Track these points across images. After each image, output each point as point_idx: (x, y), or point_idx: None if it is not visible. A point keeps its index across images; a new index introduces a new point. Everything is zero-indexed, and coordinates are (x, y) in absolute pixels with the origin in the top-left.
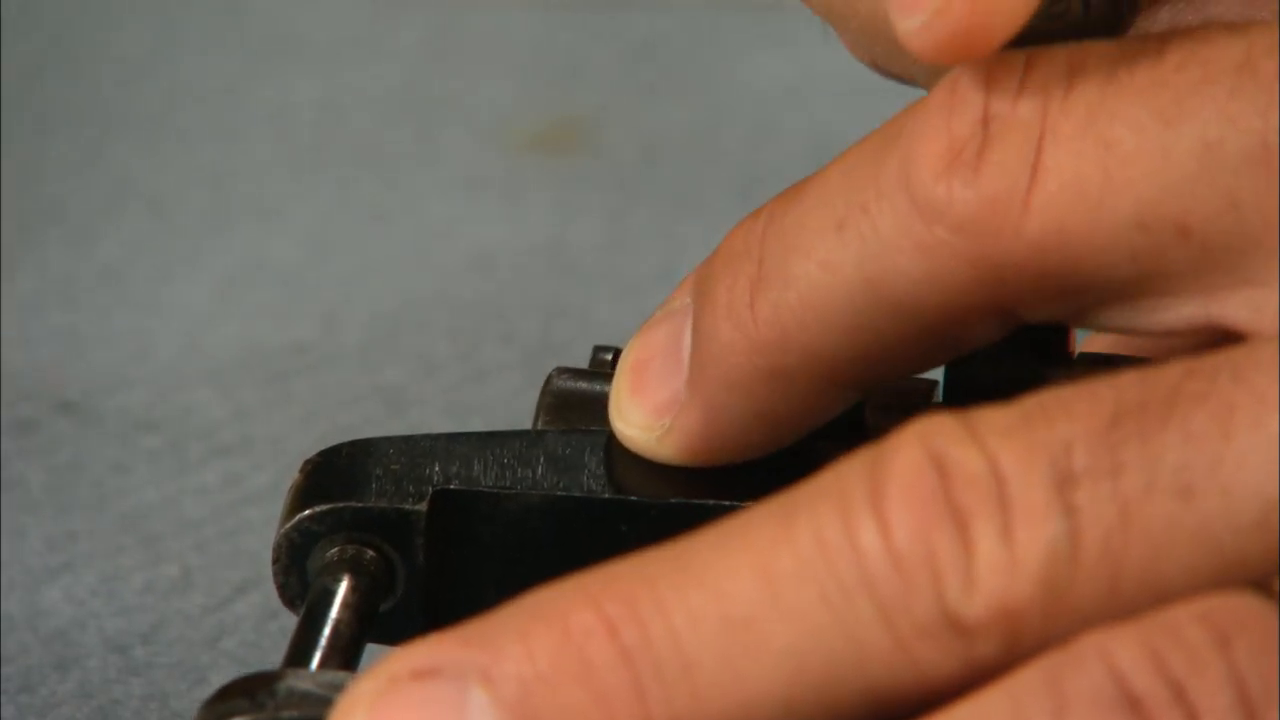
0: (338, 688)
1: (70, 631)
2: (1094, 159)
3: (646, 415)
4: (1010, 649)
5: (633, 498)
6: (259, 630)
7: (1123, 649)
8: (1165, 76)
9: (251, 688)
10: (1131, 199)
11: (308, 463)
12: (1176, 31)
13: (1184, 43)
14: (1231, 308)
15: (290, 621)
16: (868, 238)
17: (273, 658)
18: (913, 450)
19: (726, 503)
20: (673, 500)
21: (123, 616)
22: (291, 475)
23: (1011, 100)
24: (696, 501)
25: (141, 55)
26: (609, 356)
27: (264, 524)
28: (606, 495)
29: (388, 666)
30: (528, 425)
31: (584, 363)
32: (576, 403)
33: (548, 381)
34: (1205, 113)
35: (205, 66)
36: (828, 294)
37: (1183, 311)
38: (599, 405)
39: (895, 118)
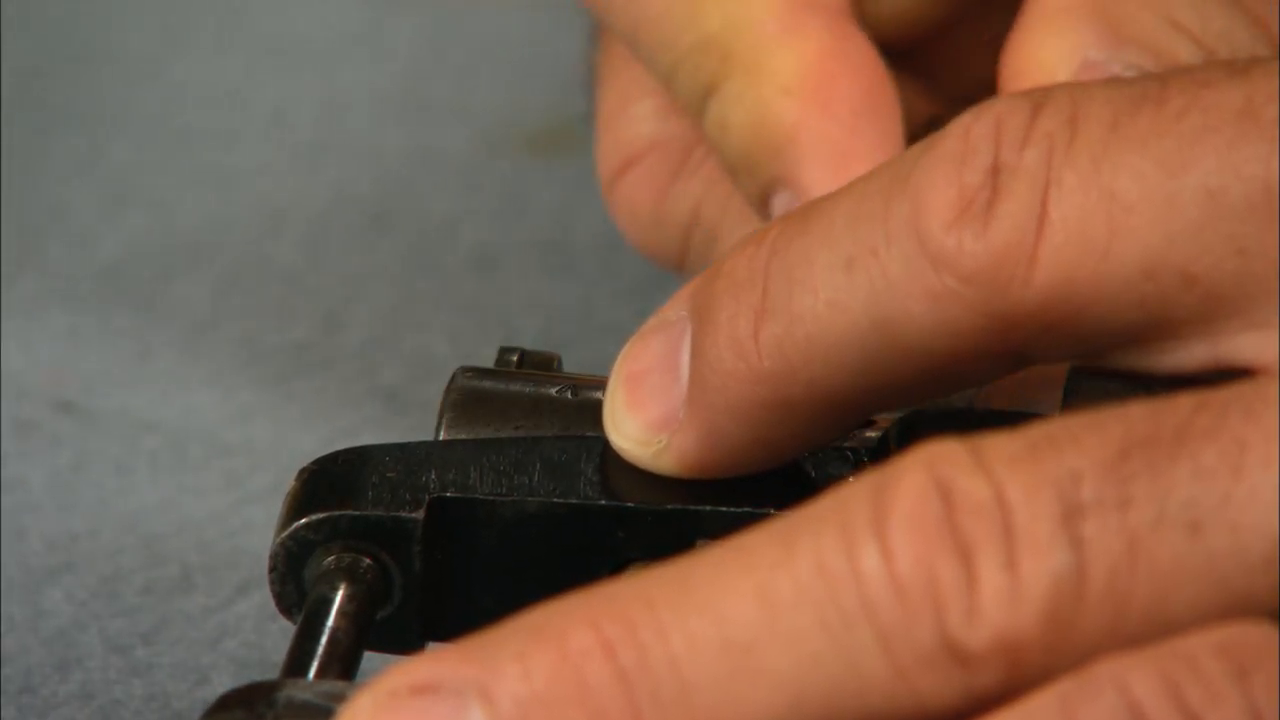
0: (337, 698)
1: (71, 632)
2: (1099, 209)
3: (643, 429)
4: (1012, 680)
5: (629, 504)
6: (260, 631)
7: (1139, 678)
8: (1167, 125)
9: (250, 698)
10: (1137, 248)
11: (304, 471)
12: (1177, 73)
13: (1185, 87)
14: (1239, 349)
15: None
16: (877, 281)
17: (274, 658)
18: (918, 476)
19: (724, 509)
20: (669, 507)
21: (124, 617)
22: (292, 475)
23: (1018, 150)
24: (693, 508)
25: (142, 55)
26: (514, 357)
27: (265, 524)
28: (603, 502)
29: (388, 681)
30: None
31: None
32: (482, 402)
33: (452, 380)
34: (1208, 161)
35: (206, 66)
36: (834, 332)
37: (1191, 353)
38: (504, 404)
39: (904, 156)
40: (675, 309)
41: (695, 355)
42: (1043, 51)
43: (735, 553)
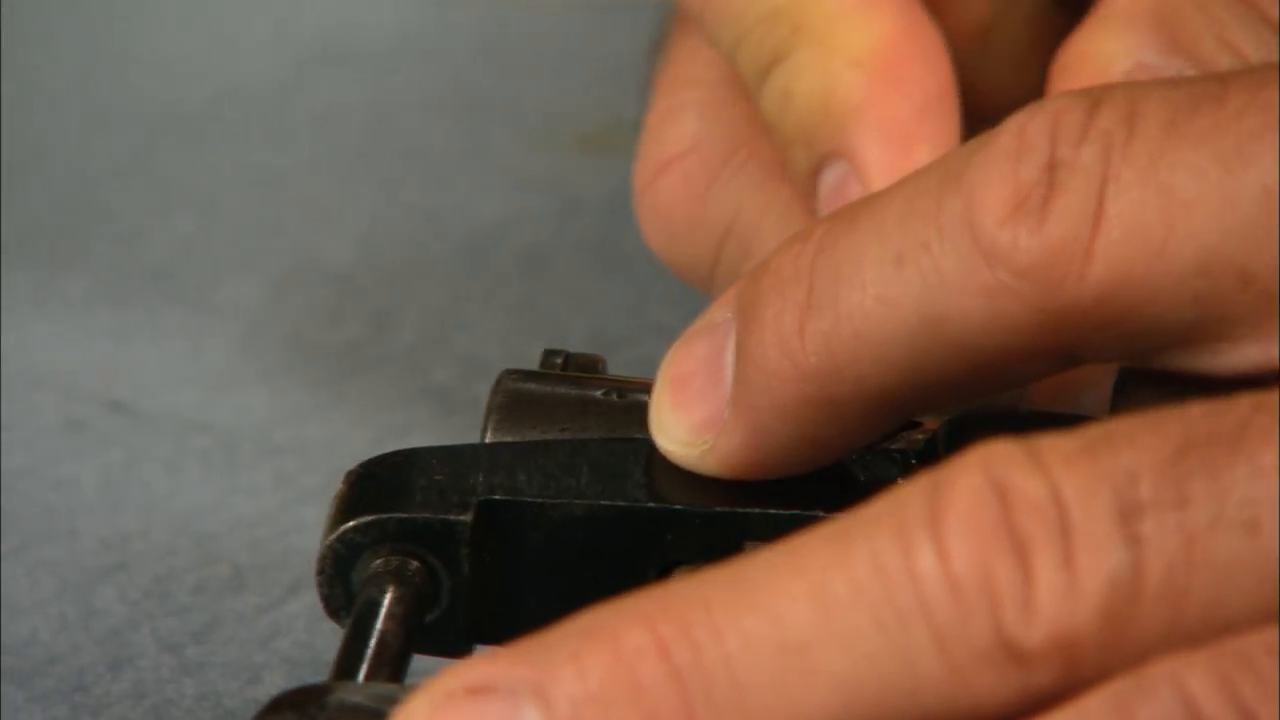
0: (388, 700)
1: (124, 631)
2: (1156, 206)
3: (688, 431)
4: (1067, 678)
5: (677, 506)
6: (312, 630)
7: (1195, 676)
8: (1226, 123)
9: (301, 701)
10: (1193, 245)
11: (351, 473)
12: (1236, 73)
13: (1244, 86)
14: None
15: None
16: (928, 276)
17: (326, 658)
18: (974, 476)
19: (772, 511)
20: (717, 509)
21: (175, 616)
22: (343, 475)
23: (1075, 146)
24: (741, 510)
25: (191, 56)
26: (559, 360)
27: (316, 524)
28: (650, 504)
29: (443, 683)
30: None
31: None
32: (528, 405)
33: (497, 383)
34: (1266, 159)
35: (256, 66)
36: (883, 328)
37: (1245, 354)
38: (550, 407)
39: (956, 153)
40: (720, 311)
41: (740, 354)
42: (1100, 49)
43: (790, 554)
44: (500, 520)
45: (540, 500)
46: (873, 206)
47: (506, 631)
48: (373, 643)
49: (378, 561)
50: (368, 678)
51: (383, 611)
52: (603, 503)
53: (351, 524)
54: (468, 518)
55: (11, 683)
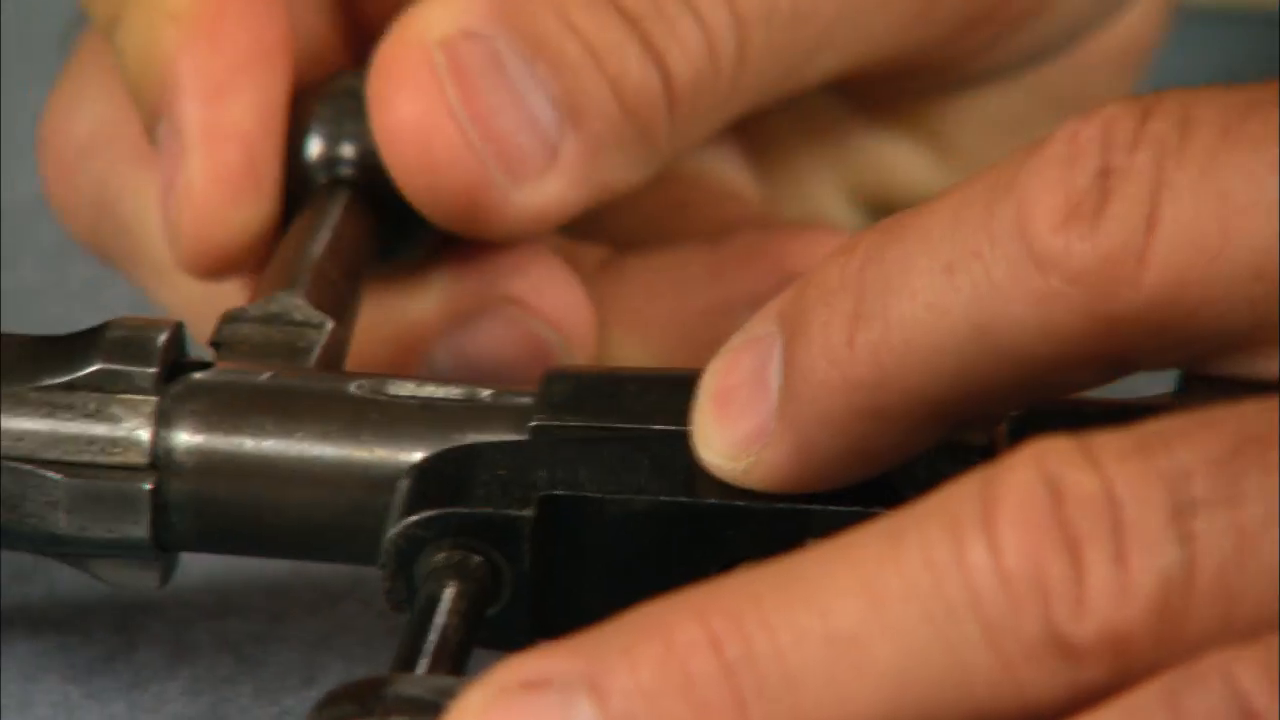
0: (446, 693)
1: (181, 629)
2: (1211, 211)
3: (733, 445)
4: (1118, 674)
5: (738, 503)
6: (370, 629)
7: (1245, 669)
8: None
9: (360, 693)
10: (1248, 250)
11: (415, 468)
12: None
13: None
14: None
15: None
16: (979, 283)
17: (384, 656)
18: (1027, 471)
19: (833, 508)
20: (778, 506)
21: (234, 614)
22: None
23: (1128, 152)
24: (802, 507)
25: None
26: None
27: None
28: (712, 500)
29: (498, 677)
30: None
31: None
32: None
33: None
34: None
35: None
36: (933, 337)
37: None
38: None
39: (1005, 163)
40: (762, 323)
41: (788, 366)
42: (426, 15)
43: (842, 549)
44: (561, 515)
45: (601, 496)
46: (922, 217)
47: (567, 626)
48: (433, 636)
49: (440, 555)
50: (428, 671)
51: (444, 605)
52: (664, 499)
53: (415, 518)
54: (529, 513)
55: (69, 680)
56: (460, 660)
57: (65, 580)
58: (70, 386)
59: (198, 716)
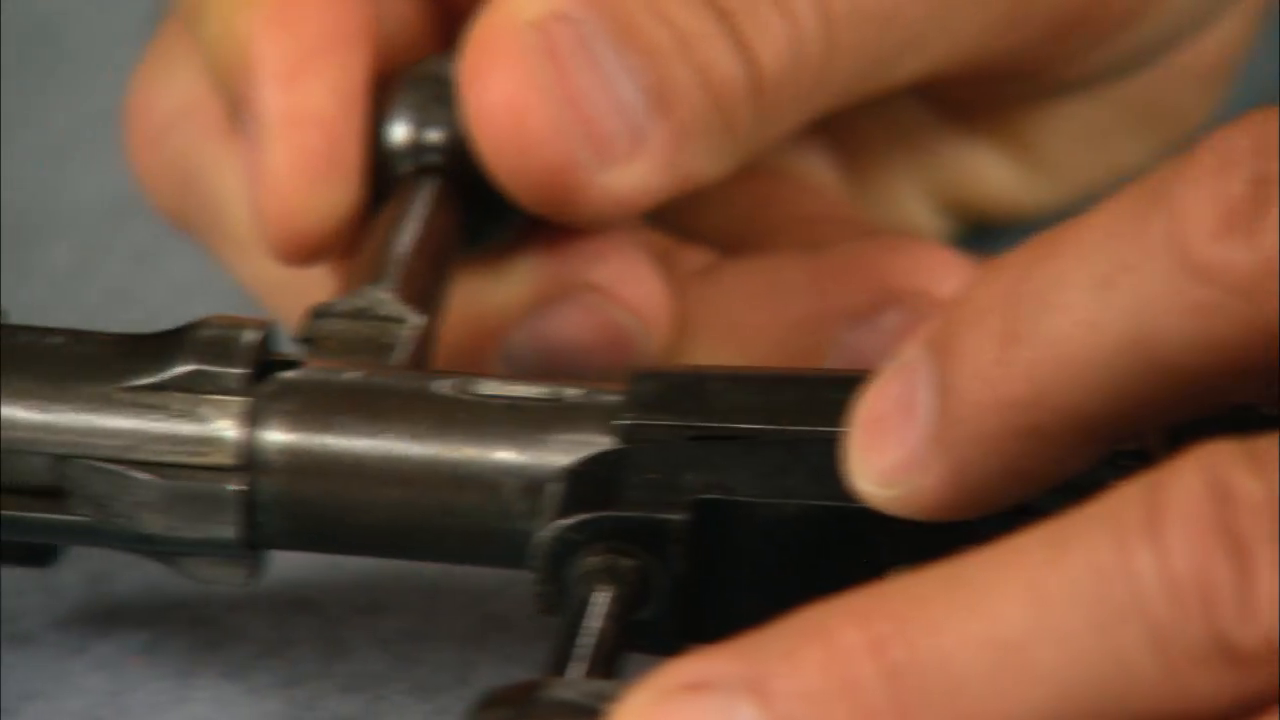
0: (600, 697)
1: (338, 627)
2: None
3: (885, 473)
4: None
5: None
6: (522, 627)
7: None
8: None
9: (514, 697)
10: None
11: (567, 471)
12: None
13: None
14: None
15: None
16: (1135, 297)
17: (536, 654)
18: (1193, 476)
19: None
20: None
21: (390, 612)
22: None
23: None
24: None
25: None
26: None
27: None
28: (865, 505)
29: (660, 680)
30: None
31: None
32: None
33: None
34: None
35: None
36: (1088, 353)
37: None
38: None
39: (1157, 174)
40: (911, 349)
41: (940, 389)
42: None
43: (1005, 553)
44: (713, 520)
45: (754, 500)
46: (1072, 234)
47: (717, 631)
48: (585, 640)
49: (592, 559)
50: (581, 675)
51: (596, 609)
52: (816, 503)
53: (568, 522)
54: (682, 517)
55: (226, 677)
56: (612, 664)
57: None
58: (160, 387)
59: (353, 714)
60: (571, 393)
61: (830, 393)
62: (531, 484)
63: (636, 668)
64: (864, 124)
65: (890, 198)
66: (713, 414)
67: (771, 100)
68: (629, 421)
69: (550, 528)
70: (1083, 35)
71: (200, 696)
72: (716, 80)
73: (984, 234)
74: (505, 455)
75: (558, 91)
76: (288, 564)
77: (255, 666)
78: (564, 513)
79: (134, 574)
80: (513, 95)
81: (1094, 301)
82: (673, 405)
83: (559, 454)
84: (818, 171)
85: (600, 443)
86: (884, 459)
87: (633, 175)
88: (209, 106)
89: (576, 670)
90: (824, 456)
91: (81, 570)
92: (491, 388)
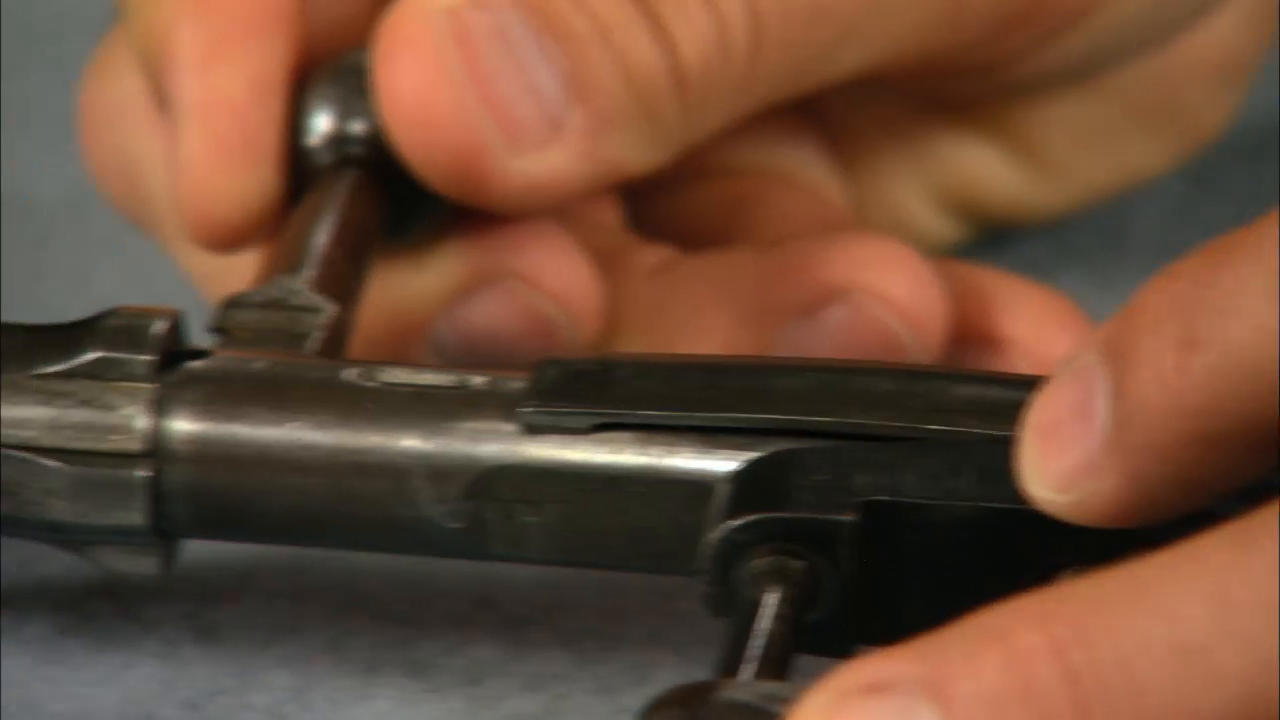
0: (773, 699)
1: (521, 626)
2: None
3: (1060, 479)
4: None
5: None
6: (704, 626)
7: None
8: None
9: (688, 699)
10: None
11: (735, 472)
12: None
13: None
14: None
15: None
16: None
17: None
18: None
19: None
20: None
21: (569, 611)
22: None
23: None
24: None
25: None
26: None
27: None
28: (1035, 509)
29: (838, 681)
30: None
31: None
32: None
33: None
34: None
35: None
36: (1267, 359)
37: None
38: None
39: None
40: (1085, 354)
41: (1117, 396)
42: None
43: (1186, 555)
44: (882, 521)
45: (924, 501)
46: (1249, 236)
47: (886, 632)
48: (756, 641)
49: (761, 560)
50: (754, 677)
51: (766, 610)
52: (986, 505)
53: (736, 523)
54: (851, 518)
55: (409, 674)
56: (784, 665)
57: (404, 571)
58: (68, 374)
59: (536, 713)
60: (478, 380)
61: (735, 380)
62: (436, 472)
63: (802, 671)
64: (859, 124)
65: (892, 200)
66: (617, 401)
67: (697, 91)
68: (529, 409)
69: (719, 529)
70: (1031, 29)
71: (383, 694)
72: (636, 69)
73: (996, 236)
74: (410, 443)
75: (465, 76)
76: (468, 563)
77: (437, 664)
78: (733, 513)
79: (321, 571)
80: (419, 80)
81: (1272, 307)
82: (576, 393)
83: (463, 441)
84: (815, 173)
85: (505, 430)
86: (1060, 464)
87: (549, 162)
88: (144, 100)
89: (747, 672)
90: (994, 458)
91: (274, 568)
92: (398, 375)
